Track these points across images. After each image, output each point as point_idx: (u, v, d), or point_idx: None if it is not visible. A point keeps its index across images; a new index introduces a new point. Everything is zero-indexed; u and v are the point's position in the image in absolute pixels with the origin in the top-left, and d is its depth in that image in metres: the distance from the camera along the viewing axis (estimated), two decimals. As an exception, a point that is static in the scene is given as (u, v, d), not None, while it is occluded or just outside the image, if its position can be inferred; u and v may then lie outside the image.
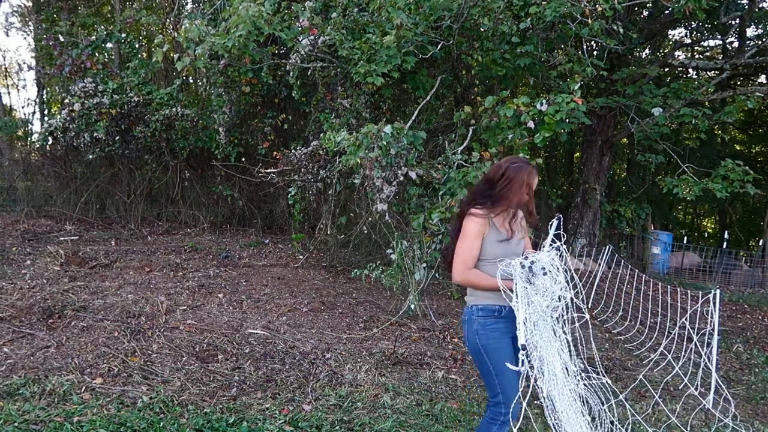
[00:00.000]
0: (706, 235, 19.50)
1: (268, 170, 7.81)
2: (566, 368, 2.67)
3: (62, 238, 8.27)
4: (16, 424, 3.14)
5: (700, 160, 12.36)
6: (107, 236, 8.75)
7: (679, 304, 6.27)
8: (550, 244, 2.62)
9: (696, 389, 4.67)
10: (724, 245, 12.60)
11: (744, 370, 5.70)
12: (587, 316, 2.79)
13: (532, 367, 2.46)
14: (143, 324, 4.89)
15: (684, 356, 5.27)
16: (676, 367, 4.99)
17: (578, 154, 15.08)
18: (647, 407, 4.31)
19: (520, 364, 2.42)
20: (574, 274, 2.78)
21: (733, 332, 7.10)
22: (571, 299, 2.60)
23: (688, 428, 4.06)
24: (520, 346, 2.40)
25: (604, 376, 3.19)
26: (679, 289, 7.32)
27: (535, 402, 2.63)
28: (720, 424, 4.17)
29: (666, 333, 6.03)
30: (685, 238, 15.65)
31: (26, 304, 5.06)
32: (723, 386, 4.55)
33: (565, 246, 2.64)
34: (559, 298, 2.54)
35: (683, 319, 5.93)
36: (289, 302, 6.01)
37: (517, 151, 5.84)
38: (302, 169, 7.46)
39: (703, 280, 11.45)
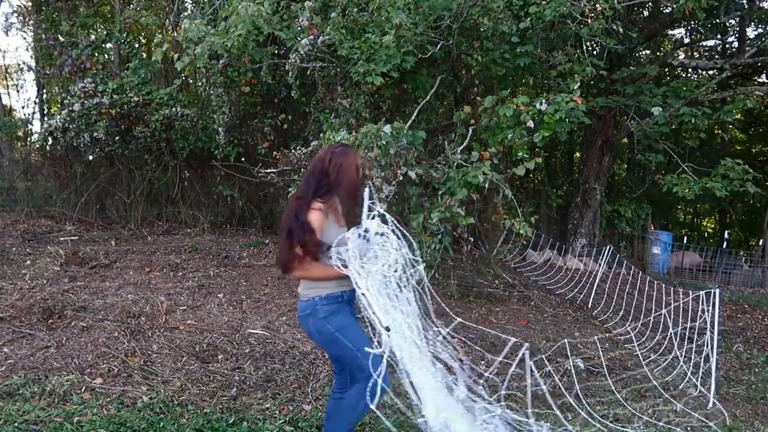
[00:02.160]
0: (706, 235, 19.49)
1: (268, 170, 7.81)
2: (416, 327, 2.77)
3: (62, 239, 8.27)
4: (16, 424, 3.14)
5: (699, 160, 12.36)
6: (107, 236, 8.75)
7: (681, 304, 6.28)
8: (368, 214, 2.74)
9: (696, 389, 4.67)
10: (724, 245, 12.60)
11: (744, 370, 5.70)
12: (421, 267, 2.90)
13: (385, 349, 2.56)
14: (143, 324, 4.89)
15: (683, 356, 5.27)
16: (675, 368, 4.99)
17: (578, 154, 15.08)
18: (647, 407, 4.31)
19: (377, 345, 2.56)
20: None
21: (733, 332, 7.10)
22: (408, 260, 2.78)
23: (688, 428, 4.06)
24: (383, 329, 2.51)
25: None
26: (680, 290, 7.32)
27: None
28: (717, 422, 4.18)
29: (660, 331, 6.03)
30: (685, 238, 15.65)
31: (26, 304, 5.06)
32: (715, 388, 4.55)
33: (381, 214, 2.78)
34: (396, 260, 2.70)
35: (681, 319, 5.93)
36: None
37: (516, 151, 5.84)
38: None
39: (703, 280, 11.45)
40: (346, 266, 2.64)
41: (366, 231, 2.68)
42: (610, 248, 8.79)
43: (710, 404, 4.49)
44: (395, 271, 2.70)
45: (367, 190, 2.80)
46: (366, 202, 2.77)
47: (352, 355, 2.73)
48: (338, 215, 2.85)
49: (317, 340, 2.86)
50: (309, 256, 2.67)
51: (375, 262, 2.65)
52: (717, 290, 4.69)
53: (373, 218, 2.75)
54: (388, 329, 2.51)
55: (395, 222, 2.82)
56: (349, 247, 2.62)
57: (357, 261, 2.61)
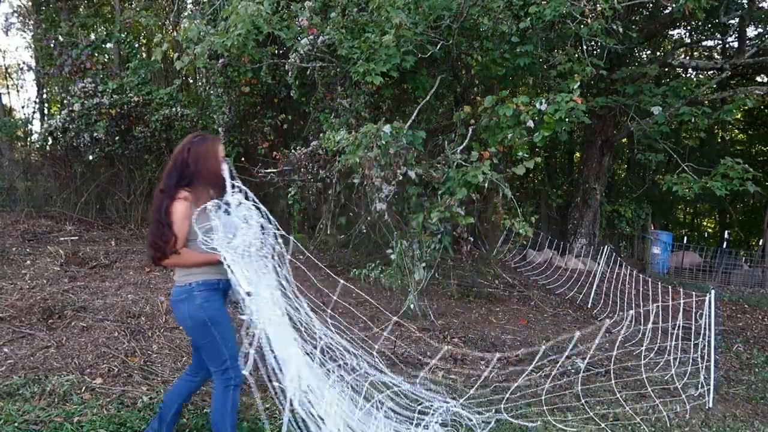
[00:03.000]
0: (706, 235, 19.50)
1: (268, 170, 7.81)
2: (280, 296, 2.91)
3: (62, 239, 8.27)
4: (16, 424, 3.14)
5: (699, 160, 12.36)
6: (107, 236, 8.75)
7: (681, 304, 6.27)
8: (231, 189, 2.84)
9: (696, 389, 4.67)
10: (724, 245, 12.60)
11: (744, 370, 5.71)
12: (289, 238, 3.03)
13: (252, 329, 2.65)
14: (143, 324, 4.89)
15: (679, 355, 5.27)
16: (675, 369, 4.99)
17: (578, 154, 15.08)
18: (647, 407, 4.31)
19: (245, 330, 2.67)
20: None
21: (733, 332, 7.10)
22: (274, 233, 2.91)
23: (688, 428, 4.06)
24: (245, 294, 2.58)
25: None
26: (680, 290, 7.32)
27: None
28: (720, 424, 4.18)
29: (655, 330, 6.03)
30: (685, 238, 15.65)
31: (26, 304, 5.06)
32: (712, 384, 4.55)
33: (242, 190, 2.87)
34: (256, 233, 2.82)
35: (681, 319, 5.92)
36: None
37: (516, 150, 5.84)
38: (302, 169, 7.46)
39: (703, 280, 11.45)
40: (216, 251, 2.72)
41: (227, 204, 2.78)
42: (608, 248, 8.79)
43: (709, 404, 4.49)
44: (260, 243, 2.82)
45: (226, 166, 2.86)
46: (228, 180, 2.84)
47: (216, 348, 2.80)
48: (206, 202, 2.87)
49: (186, 326, 2.88)
50: (172, 246, 2.72)
51: (236, 235, 2.75)
52: (713, 291, 4.69)
53: (234, 194, 2.84)
54: (249, 294, 2.60)
55: (255, 199, 2.93)
56: (213, 223, 2.71)
57: (224, 240, 2.70)
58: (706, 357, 4.77)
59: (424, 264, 5.90)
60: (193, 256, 2.78)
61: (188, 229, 2.75)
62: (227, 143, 9.10)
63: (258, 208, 2.90)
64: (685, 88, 8.89)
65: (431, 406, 3.59)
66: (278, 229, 2.95)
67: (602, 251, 8.72)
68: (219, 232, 2.70)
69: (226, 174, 2.88)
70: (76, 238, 8.49)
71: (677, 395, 4.57)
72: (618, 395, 4.41)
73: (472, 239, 7.35)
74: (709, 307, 4.64)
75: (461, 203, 5.60)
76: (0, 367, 3.89)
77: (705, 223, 21.26)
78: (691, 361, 5.14)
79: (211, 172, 2.85)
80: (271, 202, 10.23)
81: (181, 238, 2.74)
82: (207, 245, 2.71)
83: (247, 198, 2.89)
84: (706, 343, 4.78)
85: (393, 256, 6.00)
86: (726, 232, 14.60)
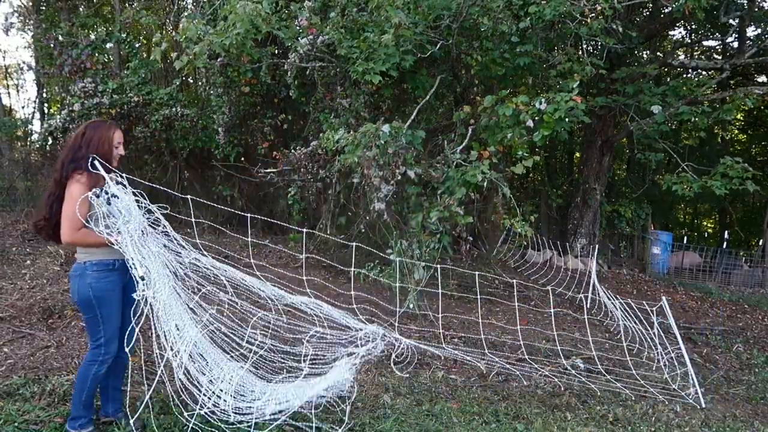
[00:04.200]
0: (706, 235, 19.49)
1: (268, 170, 7.81)
2: (175, 273, 3.18)
3: (62, 238, 8.26)
4: (16, 424, 3.14)
5: (699, 160, 12.35)
6: (107, 236, 8.74)
7: (681, 304, 6.28)
8: (112, 180, 2.96)
9: (695, 390, 4.67)
10: (724, 245, 12.60)
11: (744, 370, 5.70)
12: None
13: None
14: (143, 324, 4.87)
15: (667, 356, 5.27)
16: (675, 369, 4.99)
17: (578, 154, 15.08)
18: (647, 407, 4.31)
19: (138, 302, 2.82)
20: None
21: (733, 332, 7.10)
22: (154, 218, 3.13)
23: (688, 428, 4.06)
24: (138, 278, 2.76)
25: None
26: (681, 289, 7.32)
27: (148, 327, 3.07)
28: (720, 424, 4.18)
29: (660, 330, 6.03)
30: (685, 238, 15.64)
31: (26, 304, 5.06)
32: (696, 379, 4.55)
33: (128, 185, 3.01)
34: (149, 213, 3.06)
35: (681, 320, 5.93)
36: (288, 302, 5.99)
37: (516, 149, 5.84)
38: (302, 169, 7.46)
39: (704, 280, 11.45)
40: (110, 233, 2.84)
41: (105, 191, 2.90)
42: (599, 248, 8.77)
43: (691, 398, 4.49)
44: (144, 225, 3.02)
45: (94, 161, 2.94)
46: (100, 170, 2.93)
47: (95, 326, 2.97)
48: (103, 183, 2.97)
49: (76, 301, 3.05)
50: (66, 223, 2.84)
51: (125, 219, 2.88)
52: (664, 298, 4.75)
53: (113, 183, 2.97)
54: (143, 278, 2.77)
55: (125, 185, 3.03)
56: (101, 209, 2.84)
57: (122, 223, 2.85)
58: (706, 358, 4.77)
59: (423, 264, 5.90)
60: (91, 236, 2.87)
61: (84, 210, 2.85)
62: (227, 143, 9.10)
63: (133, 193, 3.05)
64: (684, 87, 8.89)
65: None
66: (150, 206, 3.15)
67: (593, 252, 8.70)
68: (114, 217, 2.85)
69: (114, 161, 3.04)
70: (76, 238, 8.47)
71: (677, 395, 4.57)
72: (618, 395, 4.41)
73: (471, 238, 7.35)
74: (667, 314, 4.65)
75: (460, 203, 5.60)
76: (0, 367, 3.89)
77: (705, 223, 21.26)
78: (690, 361, 5.14)
79: (102, 157, 2.95)
80: (271, 202, 10.23)
81: (76, 218, 2.82)
82: (96, 228, 2.84)
83: (123, 185, 3.01)
84: (706, 342, 4.78)
85: (393, 257, 6.00)
86: (726, 232, 14.60)
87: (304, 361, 3.87)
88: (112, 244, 2.84)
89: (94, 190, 2.86)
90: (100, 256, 2.95)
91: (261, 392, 3.30)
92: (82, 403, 3.05)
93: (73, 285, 3.01)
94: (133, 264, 2.78)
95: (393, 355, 4.17)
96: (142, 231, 3.02)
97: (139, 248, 2.87)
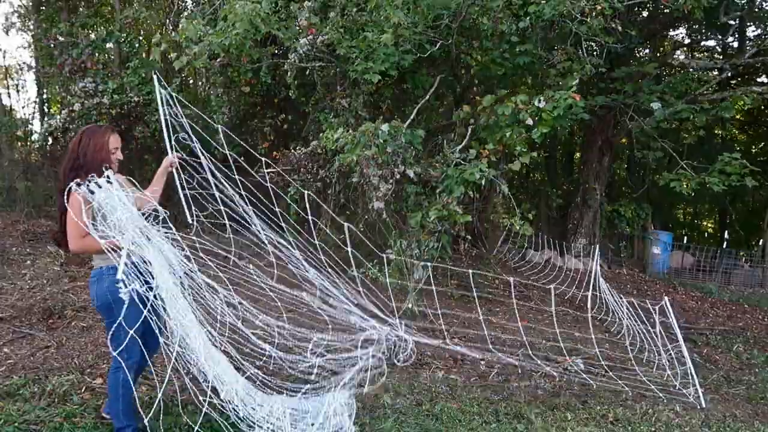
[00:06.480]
0: (706, 235, 19.48)
1: (268, 170, 7.81)
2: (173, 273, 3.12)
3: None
4: (16, 424, 3.14)
5: (699, 159, 12.34)
6: (107, 236, 8.74)
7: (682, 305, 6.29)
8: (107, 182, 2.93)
9: (695, 390, 4.67)
10: (724, 245, 12.59)
11: (744, 370, 5.70)
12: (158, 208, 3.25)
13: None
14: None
15: (669, 357, 5.27)
16: (675, 368, 4.98)
17: (578, 154, 15.07)
18: (647, 406, 4.31)
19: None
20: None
21: (733, 332, 7.10)
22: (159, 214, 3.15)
23: (688, 428, 4.06)
24: (119, 278, 2.71)
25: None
26: (681, 290, 7.32)
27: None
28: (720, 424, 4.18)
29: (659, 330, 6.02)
30: (685, 238, 15.63)
31: (26, 304, 5.06)
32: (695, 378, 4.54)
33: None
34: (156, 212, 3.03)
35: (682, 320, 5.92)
36: (289, 302, 5.99)
37: (514, 145, 5.83)
38: (302, 169, 7.45)
39: (704, 279, 11.45)
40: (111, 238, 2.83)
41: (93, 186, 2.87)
42: (597, 248, 8.77)
43: (691, 397, 4.49)
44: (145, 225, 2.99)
45: (117, 158, 3.03)
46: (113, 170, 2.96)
47: (117, 330, 2.87)
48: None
49: (96, 307, 3.05)
50: (71, 233, 2.86)
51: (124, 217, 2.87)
52: (666, 299, 4.73)
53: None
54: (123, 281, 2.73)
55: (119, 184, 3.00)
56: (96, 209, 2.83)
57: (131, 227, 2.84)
58: (707, 358, 4.77)
59: (423, 263, 5.90)
60: (95, 244, 2.85)
61: (86, 217, 2.85)
62: (227, 143, 9.09)
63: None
64: (682, 84, 8.88)
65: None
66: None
67: (592, 251, 8.69)
68: (123, 221, 2.84)
69: (114, 167, 3.02)
70: (76, 238, 8.47)
71: (677, 395, 4.57)
72: (618, 395, 4.41)
73: (469, 237, 7.35)
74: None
75: (459, 201, 5.60)
76: (0, 367, 3.89)
77: (705, 223, 21.24)
78: (689, 361, 5.14)
79: (99, 162, 2.94)
80: (271, 202, 10.22)
81: (79, 226, 2.83)
82: (98, 232, 2.83)
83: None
84: (706, 342, 4.78)
85: (392, 256, 6.00)
86: (726, 232, 14.59)
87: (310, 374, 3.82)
88: (116, 248, 2.80)
89: (87, 187, 2.84)
90: (114, 261, 2.88)
91: (261, 403, 3.27)
92: (121, 412, 3.00)
93: (92, 291, 3.01)
94: (129, 254, 2.78)
95: (401, 355, 4.16)
96: (141, 230, 2.99)
97: (141, 246, 2.86)
